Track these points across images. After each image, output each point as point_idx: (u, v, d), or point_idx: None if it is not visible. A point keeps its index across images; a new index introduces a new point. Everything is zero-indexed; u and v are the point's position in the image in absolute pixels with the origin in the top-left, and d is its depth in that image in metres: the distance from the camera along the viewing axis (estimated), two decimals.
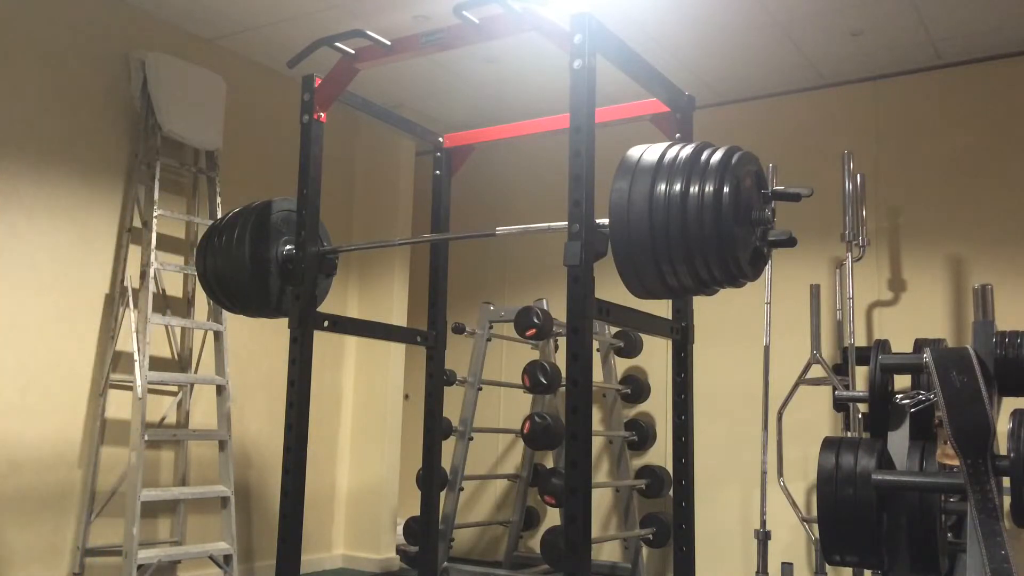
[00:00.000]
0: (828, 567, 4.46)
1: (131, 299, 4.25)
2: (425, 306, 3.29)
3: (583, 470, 2.14)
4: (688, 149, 2.18)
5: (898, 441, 2.76)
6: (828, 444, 2.53)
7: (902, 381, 3.64)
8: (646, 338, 5.33)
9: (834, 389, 4.32)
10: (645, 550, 5.19)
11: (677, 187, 2.10)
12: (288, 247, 2.94)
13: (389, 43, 2.74)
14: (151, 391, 4.28)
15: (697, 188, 2.08)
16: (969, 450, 2.28)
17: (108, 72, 4.39)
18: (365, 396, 5.65)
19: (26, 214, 4.02)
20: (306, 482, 2.77)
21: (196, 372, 4.65)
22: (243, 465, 4.92)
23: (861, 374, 4.48)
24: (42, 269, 4.05)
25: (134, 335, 4.16)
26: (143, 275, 4.25)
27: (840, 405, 4.39)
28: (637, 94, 2.76)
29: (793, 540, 4.82)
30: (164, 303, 4.54)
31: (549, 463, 5.33)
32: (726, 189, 2.06)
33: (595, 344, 5.01)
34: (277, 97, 5.24)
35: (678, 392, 2.75)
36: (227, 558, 4.28)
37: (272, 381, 5.08)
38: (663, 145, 2.23)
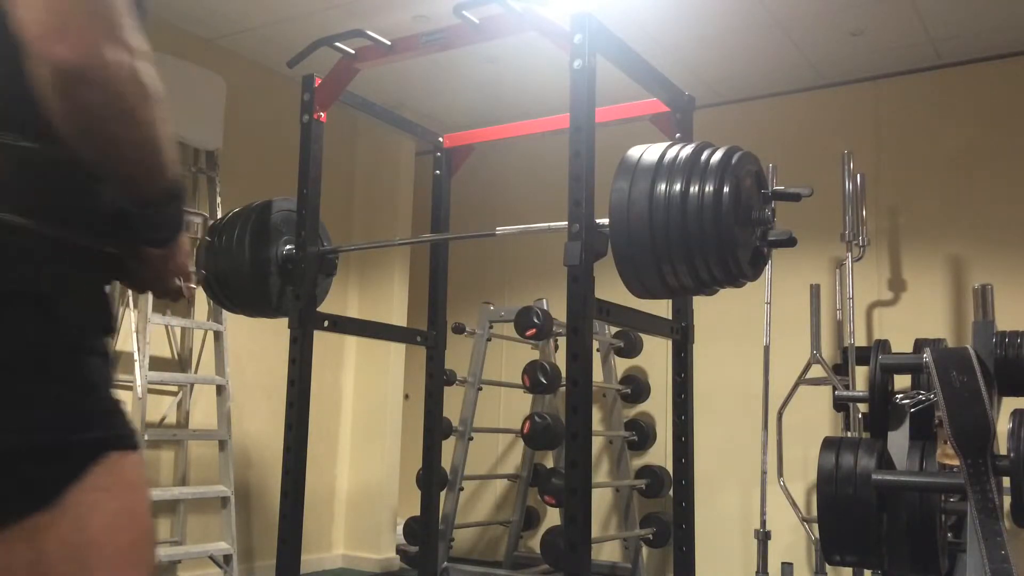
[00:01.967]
0: (828, 567, 4.46)
1: (131, 299, 4.25)
2: (425, 306, 3.29)
3: (583, 470, 2.15)
4: (688, 149, 2.17)
5: (898, 441, 2.76)
6: (828, 444, 2.53)
7: (902, 381, 3.63)
8: (646, 338, 5.33)
9: (834, 389, 4.32)
10: (645, 550, 5.19)
11: (677, 187, 2.09)
12: (288, 247, 2.94)
13: (389, 43, 2.75)
14: (151, 391, 4.28)
15: (697, 188, 2.08)
16: (969, 450, 2.29)
17: None
18: (365, 396, 5.65)
19: None
20: (306, 482, 2.77)
21: (196, 372, 4.65)
22: (243, 465, 4.91)
23: (861, 374, 4.48)
24: None
25: (134, 335, 4.16)
26: None
27: (840, 405, 4.39)
28: (637, 94, 2.76)
29: (793, 540, 4.82)
30: (164, 303, 4.54)
31: (549, 463, 5.33)
32: (726, 189, 2.06)
33: (595, 344, 5.00)
34: (277, 97, 5.23)
35: (678, 392, 2.75)
36: (227, 558, 4.28)
37: (272, 381, 5.08)
38: (663, 145, 2.23)
